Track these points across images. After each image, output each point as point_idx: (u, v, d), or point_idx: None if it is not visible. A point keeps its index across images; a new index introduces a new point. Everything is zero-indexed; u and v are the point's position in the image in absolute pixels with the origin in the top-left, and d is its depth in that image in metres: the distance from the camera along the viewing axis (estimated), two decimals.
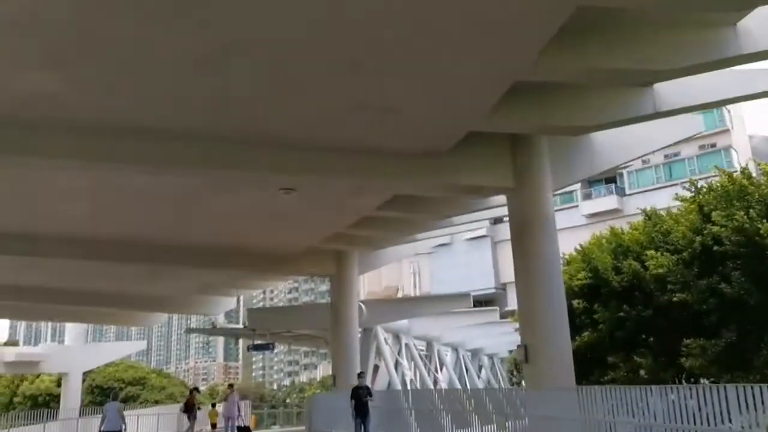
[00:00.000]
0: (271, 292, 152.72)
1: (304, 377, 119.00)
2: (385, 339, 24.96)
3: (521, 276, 12.62)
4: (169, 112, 10.22)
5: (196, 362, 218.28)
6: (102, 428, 13.95)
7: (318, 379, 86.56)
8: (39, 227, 16.59)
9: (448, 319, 29.48)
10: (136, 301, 26.51)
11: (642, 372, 15.83)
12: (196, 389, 27.63)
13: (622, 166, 52.69)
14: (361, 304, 22.83)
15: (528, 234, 12.46)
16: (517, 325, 36.46)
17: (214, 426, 24.61)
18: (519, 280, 12.66)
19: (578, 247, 18.63)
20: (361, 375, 14.63)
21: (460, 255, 66.36)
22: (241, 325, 29.30)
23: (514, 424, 10.95)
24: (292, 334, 27.58)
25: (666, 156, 48.98)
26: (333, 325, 21.43)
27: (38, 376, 41.81)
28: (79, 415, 32.30)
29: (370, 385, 23.10)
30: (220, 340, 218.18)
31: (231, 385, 27.14)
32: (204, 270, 20.53)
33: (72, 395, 34.44)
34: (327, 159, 11.77)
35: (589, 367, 15.78)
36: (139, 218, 16.05)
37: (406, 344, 27.18)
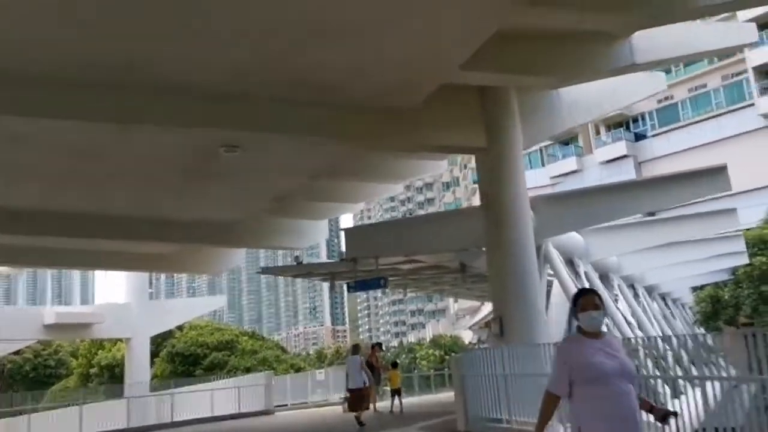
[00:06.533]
0: (369, 216, 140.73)
1: (411, 337, 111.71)
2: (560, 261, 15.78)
3: None
4: None
5: (305, 327, 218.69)
6: (348, 386, 14.50)
7: (428, 339, 77.99)
8: None
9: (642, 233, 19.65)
10: (189, 231, 18.54)
11: None
12: (378, 345, 21.30)
13: None
14: None
15: None
16: (736, 245, 25.03)
17: (398, 392, 18.39)
18: None
19: None
20: None
21: (593, 184, 55.59)
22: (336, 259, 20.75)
23: None
24: (412, 266, 18.77)
25: None
26: (491, 233, 12.38)
27: (115, 343, 35.93)
28: (150, 391, 25.54)
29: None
30: (326, 304, 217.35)
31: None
32: (260, 136, 11.64)
33: (138, 365, 27.63)
34: None
35: None
36: None
37: (585, 273, 17.82)
